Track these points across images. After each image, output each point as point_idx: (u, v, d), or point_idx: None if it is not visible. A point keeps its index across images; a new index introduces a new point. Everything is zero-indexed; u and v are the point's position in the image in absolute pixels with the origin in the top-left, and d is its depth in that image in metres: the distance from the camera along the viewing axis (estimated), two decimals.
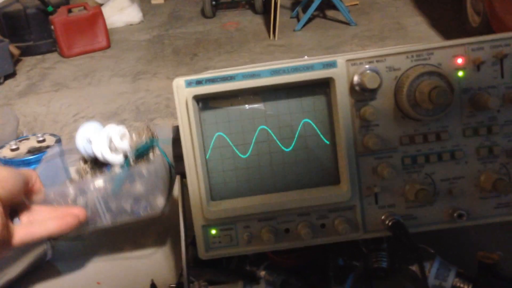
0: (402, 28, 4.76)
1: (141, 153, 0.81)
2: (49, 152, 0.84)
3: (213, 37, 5.03)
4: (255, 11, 5.56)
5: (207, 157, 0.65)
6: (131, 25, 5.60)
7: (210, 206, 0.65)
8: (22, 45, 4.73)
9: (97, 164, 0.83)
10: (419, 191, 0.63)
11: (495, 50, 0.63)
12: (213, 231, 0.66)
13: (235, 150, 0.65)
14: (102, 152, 0.80)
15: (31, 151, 0.88)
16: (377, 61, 0.63)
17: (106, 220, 0.76)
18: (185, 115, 0.63)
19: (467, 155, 0.65)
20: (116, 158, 0.80)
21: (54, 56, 4.83)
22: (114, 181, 0.76)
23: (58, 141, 0.91)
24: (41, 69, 4.58)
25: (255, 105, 0.65)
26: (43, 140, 0.91)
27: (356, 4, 5.48)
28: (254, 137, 0.65)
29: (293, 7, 5.51)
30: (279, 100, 0.65)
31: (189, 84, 0.63)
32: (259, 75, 0.63)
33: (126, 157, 0.81)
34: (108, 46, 4.91)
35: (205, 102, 0.65)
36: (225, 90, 0.63)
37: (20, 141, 0.92)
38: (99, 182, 0.76)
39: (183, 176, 0.69)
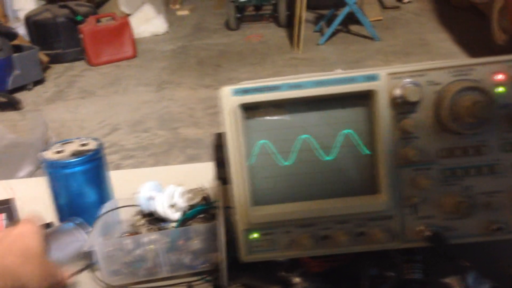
0: (426, 44, 4.75)
1: (196, 212, 0.89)
2: (106, 206, 0.90)
3: (237, 49, 5.09)
4: (279, 24, 5.61)
5: (251, 163, 0.67)
6: (156, 35, 5.71)
7: (253, 211, 0.67)
8: (51, 52, 4.86)
9: (153, 219, 0.90)
10: (458, 203, 0.64)
11: None
12: (255, 235, 0.68)
13: (278, 157, 0.67)
14: (164, 208, 0.88)
15: (75, 154, 0.92)
16: (418, 75, 0.65)
17: (166, 272, 0.82)
18: (231, 122, 0.66)
19: (506, 170, 0.66)
20: (175, 215, 0.88)
21: (81, 64, 4.95)
22: (171, 236, 0.83)
23: (100, 145, 0.95)
24: (69, 76, 4.69)
25: (298, 115, 0.67)
26: (86, 144, 0.95)
27: (380, 20, 5.49)
28: (297, 146, 0.67)
29: (316, 21, 5.55)
30: (321, 110, 0.67)
31: (236, 93, 0.66)
32: (303, 86, 0.66)
33: (183, 214, 0.88)
34: (134, 56, 5.01)
35: (250, 110, 0.67)
36: (270, 100, 0.66)
37: (64, 144, 0.95)
38: (158, 236, 0.82)
39: (224, 181, 0.71)
